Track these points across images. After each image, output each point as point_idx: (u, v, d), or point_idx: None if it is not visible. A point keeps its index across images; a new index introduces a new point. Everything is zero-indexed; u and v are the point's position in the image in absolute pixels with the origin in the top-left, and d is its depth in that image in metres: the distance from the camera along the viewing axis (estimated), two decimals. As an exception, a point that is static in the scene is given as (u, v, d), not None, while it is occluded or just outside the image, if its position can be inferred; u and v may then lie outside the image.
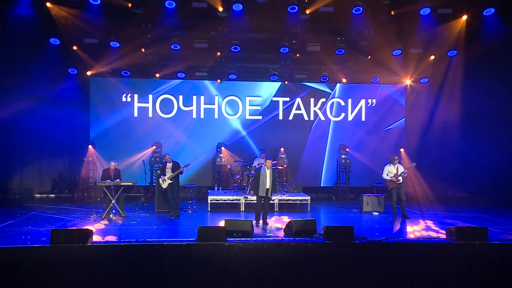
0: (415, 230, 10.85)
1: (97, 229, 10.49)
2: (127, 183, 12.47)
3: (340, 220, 12.47)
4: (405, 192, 12.87)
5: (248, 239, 9.45)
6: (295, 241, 9.39)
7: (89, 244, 8.84)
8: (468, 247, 9.02)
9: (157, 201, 13.32)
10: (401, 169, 12.38)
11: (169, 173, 12.55)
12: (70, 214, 12.66)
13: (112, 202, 12.29)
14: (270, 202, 11.74)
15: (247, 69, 16.27)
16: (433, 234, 10.25)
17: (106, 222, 11.59)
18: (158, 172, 13.35)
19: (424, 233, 10.39)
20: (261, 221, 11.33)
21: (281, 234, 10.22)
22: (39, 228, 10.51)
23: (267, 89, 16.98)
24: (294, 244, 9.31)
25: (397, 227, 11.34)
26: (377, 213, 13.27)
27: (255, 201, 13.01)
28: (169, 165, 12.66)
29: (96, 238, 9.38)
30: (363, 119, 17.27)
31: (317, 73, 16.33)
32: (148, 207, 13.66)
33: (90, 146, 15.70)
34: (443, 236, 9.85)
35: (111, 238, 9.71)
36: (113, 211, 12.60)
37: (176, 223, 11.54)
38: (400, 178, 12.38)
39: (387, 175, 12.53)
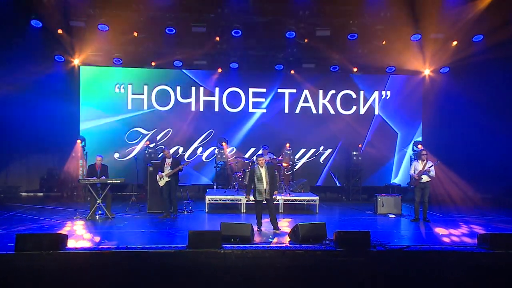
0: (440, 235, 9.47)
1: (76, 233, 9.24)
2: (115, 181, 11.20)
3: (353, 224, 11.11)
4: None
5: (247, 245, 8.14)
6: (301, 249, 8.06)
7: (61, 251, 7.57)
8: (507, 257, 7.64)
9: (149, 201, 12.05)
10: (428, 166, 10.99)
11: (167, 170, 11.27)
12: (53, 215, 11.41)
13: (98, 202, 11.02)
14: (275, 202, 10.34)
15: (250, 58, 14.93)
16: (459, 240, 8.89)
17: (89, 224, 10.32)
18: (151, 169, 12.06)
19: (450, 239, 9.02)
20: (263, 227, 9.93)
21: (286, 240, 8.89)
22: (11, 231, 9.24)
23: (272, 80, 15.66)
24: (300, 252, 7.99)
25: (418, 232, 9.94)
26: (394, 216, 11.90)
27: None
28: (168, 161, 11.38)
29: (72, 243, 8.15)
30: (376, 112, 15.88)
31: (327, 62, 14.97)
32: (140, 207, 12.38)
33: (78, 141, 14.45)
34: (472, 243, 8.49)
35: (89, 243, 8.44)
36: (100, 211, 11.35)
37: (168, 226, 10.24)
38: (424, 176, 10.98)
39: (414, 172, 11.16)
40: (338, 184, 15.80)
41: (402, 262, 7.87)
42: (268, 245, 8.17)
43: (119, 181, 11.27)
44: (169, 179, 11.23)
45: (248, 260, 7.81)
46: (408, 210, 12.53)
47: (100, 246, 7.99)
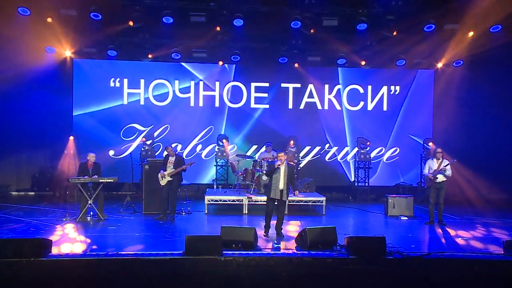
0: (460, 241, 8.71)
1: (63, 237, 8.48)
2: (107, 180, 10.42)
3: (362, 227, 10.37)
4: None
5: (250, 252, 7.41)
6: (310, 256, 7.33)
7: (44, 258, 6.82)
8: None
9: (145, 201, 11.29)
10: (443, 164, 10.21)
11: (170, 169, 10.50)
12: (41, 216, 10.65)
13: (89, 202, 10.26)
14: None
15: (252, 50, 14.15)
16: (483, 247, 8.14)
17: (79, 226, 9.56)
18: (147, 167, 11.30)
19: (471, 245, 8.26)
20: (270, 231, 9.13)
21: (292, 245, 8.13)
22: (-8, 235, 8.50)
23: (275, 74, 14.88)
24: (309, 260, 7.25)
25: (435, 236, 9.16)
26: (406, 218, 11.13)
27: (260, 202, 11.04)
28: (172, 159, 10.60)
29: (57, 249, 7.41)
30: (385, 108, 15.09)
31: (333, 55, 14.17)
32: (135, 208, 11.61)
33: (71, 138, 13.71)
34: (497, 250, 7.75)
35: (77, 249, 7.68)
36: (91, 212, 10.59)
37: (164, 229, 9.47)
38: (440, 176, 10.21)
39: (428, 171, 10.39)
40: (344, 184, 15.02)
41: (421, 271, 7.13)
42: (273, 252, 7.40)
43: (112, 180, 10.50)
44: (171, 178, 10.47)
45: (251, 268, 7.09)
46: (421, 212, 11.79)
47: (87, 253, 7.21)
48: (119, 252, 7.19)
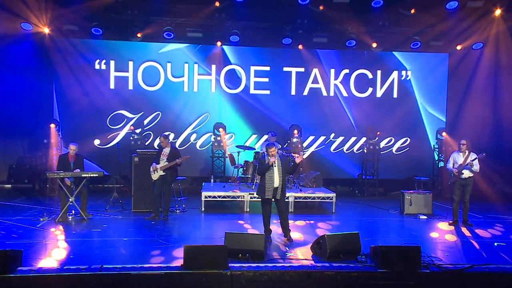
0: (497, 247, 7.64)
1: (38, 244, 7.23)
2: (92, 175, 9.16)
3: (379, 228, 9.26)
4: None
5: (261, 265, 6.26)
6: (332, 269, 6.18)
7: (11, 274, 5.58)
8: None
9: (134, 198, 10.05)
10: (471, 159, 9.10)
11: (163, 162, 9.26)
12: (15, 215, 9.39)
13: (70, 200, 8.99)
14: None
15: (253, 30, 12.83)
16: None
17: (58, 229, 8.30)
18: (136, 160, 10.04)
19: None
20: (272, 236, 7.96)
21: (307, 253, 6.98)
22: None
23: (277, 57, 13.62)
24: (331, 274, 6.11)
25: (466, 241, 8.06)
26: (425, 217, 10.05)
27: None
28: (166, 151, 9.36)
29: (29, 261, 6.16)
30: (395, 95, 13.93)
31: (342, 36, 12.90)
32: (123, 205, 10.37)
33: (52, 126, 12.35)
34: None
35: (53, 261, 6.44)
36: (73, 211, 9.33)
37: (158, 232, 8.26)
38: (466, 171, 9.11)
39: (453, 165, 9.28)
40: (349, 177, 13.91)
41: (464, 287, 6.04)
42: (288, 265, 6.23)
43: (96, 175, 9.24)
44: (164, 173, 9.24)
45: (263, 284, 5.96)
46: (439, 209, 10.73)
47: (65, 267, 5.97)
48: (104, 266, 5.97)
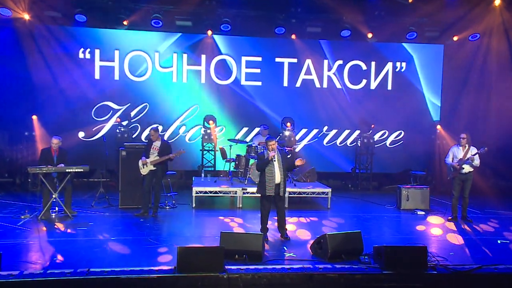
0: (503, 245, 7.39)
1: (18, 245, 6.75)
2: (76, 170, 8.65)
3: (377, 224, 8.94)
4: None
5: (260, 267, 5.88)
6: (335, 271, 5.83)
7: (-12, 280, 5.13)
8: None
9: (122, 194, 9.59)
10: (472, 153, 8.83)
11: (153, 157, 8.80)
12: (-7, 212, 8.86)
13: (54, 196, 8.50)
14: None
15: (245, 18, 12.33)
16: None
17: (41, 228, 7.81)
18: (123, 153, 9.57)
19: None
20: (269, 235, 7.58)
21: (307, 253, 6.64)
22: None
23: (269, 47, 13.18)
24: (333, 276, 5.77)
25: (470, 238, 7.77)
26: (423, 213, 9.79)
27: (257, 195, 9.48)
28: (156, 144, 8.90)
29: (9, 264, 5.68)
30: (389, 87, 13.62)
31: (337, 26, 12.49)
32: (110, 200, 9.90)
33: (34, 117, 11.78)
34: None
35: (35, 263, 5.98)
36: (56, 208, 8.85)
37: (147, 230, 7.84)
38: (466, 166, 8.85)
39: (453, 160, 9.01)
40: (341, 170, 13.60)
41: (474, 290, 5.77)
42: (288, 267, 5.85)
43: (81, 170, 8.73)
44: (154, 168, 8.80)
45: (262, 288, 5.58)
46: (435, 204, 10.48)
47: (49, 271, 5.51)
48: (91, 269, 5.53)
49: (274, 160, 7.29)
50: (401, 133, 13.60)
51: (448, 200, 10.72)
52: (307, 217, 9.13)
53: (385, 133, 13.57)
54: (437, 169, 12.72)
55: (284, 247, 6.93)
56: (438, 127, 13.18)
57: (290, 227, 8.00)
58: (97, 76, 12.67)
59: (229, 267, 5.69)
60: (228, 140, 11.38)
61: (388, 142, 13.62)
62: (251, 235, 6.44)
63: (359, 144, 13.24)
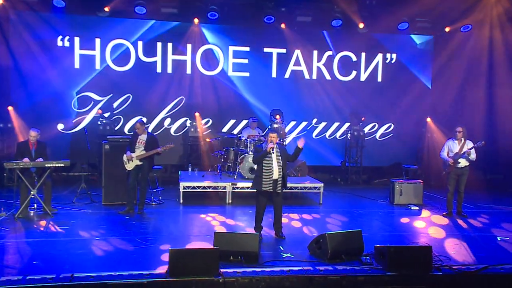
0: (501, 242, 7.20)
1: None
2: (56, 164, 8.14)
3: (372, 221, 8.70)
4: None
5: (258, 269, 5.55)
6: (336, 273, 5.54)
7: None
8: None
9: (105, 189, 9.09)
10: (468, 147, 8.62)
11: (139, 151, 8.33)
12: (-33, 211, 8.27)
13: (32, 193, 7.98)
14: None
15: (233, 6, 11.86)
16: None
17: (18, 227, 7.30)
18: (106, 147, 9.07)
19: None
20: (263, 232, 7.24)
21: (304, 254, 6.31)
22: None
23: (257, 37, 12.74)
24: (335, 279, 5.49)
25: (470, 235, 7.54)
26: (417, 208, 9.57)
27: (247, 190, 9.19)
28: (142, 138, 8.42)
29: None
30: (379, 79, 13.36)
31: (328, 15, 12.12)
32: (92, 196, 9.40)
33: (10, 108, 11.15)
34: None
35: (12, 267, 5.51)
36: (35, 205, 8.32)
37: (133, 229, 7.41)
38: (462, 160, 8.64)
39: (448, 154, 8.78)
40: (329, 164, 13.33)
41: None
42: (288, 269, 5.52)
43: (62, 165, 8.23)
44: (140, 162, 8.34)
45: (261, 292, 5.24)
46: (428, 199, 10.28)
47: (28, 277, 5.06)
48: (76, 274, 5.12)
49: (273, 152, 6.94)
50: (391, 125, 13.38)
51: (439, 194, 10.64)
52: (299, 213, 8.80)
53: (375, 125, 13.34)
54: (427, 162, 12.52)
55: (280, 247, 6.59)
56: (428, 120, 12.99)
57: (283, 224, 7.64)
58: (77, 65, 12.06)
59: (224, 270, 5.36)
60: (217, 133, 10.95)
61: (378, 135, 13.39)
62: (247, 235, 6.09)
63: (348, 137, 12.98)
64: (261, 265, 5.71)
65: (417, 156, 13.15)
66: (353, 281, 5.47)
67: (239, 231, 7.05)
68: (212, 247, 5.69)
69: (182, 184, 9.46)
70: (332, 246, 5.94)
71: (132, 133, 8.70)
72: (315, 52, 12.99)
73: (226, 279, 5.24)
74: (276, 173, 6.95)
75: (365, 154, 12.97)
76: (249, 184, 9.27)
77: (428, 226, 8.18)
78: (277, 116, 11.91)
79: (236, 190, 9.61)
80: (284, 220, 7.54)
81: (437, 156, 12.04)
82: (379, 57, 13.23)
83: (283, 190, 7.14)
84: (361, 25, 12.19)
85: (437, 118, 12.98)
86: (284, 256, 6.19)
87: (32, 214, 8.15)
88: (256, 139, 10.25)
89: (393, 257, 5.56)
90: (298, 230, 7.67)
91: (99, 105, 12.12)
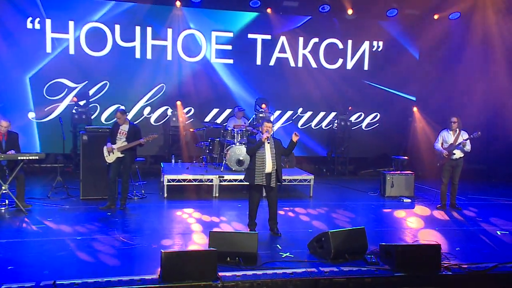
0: (501, 235, 7.01)
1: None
2: (30, 157, 7.49)
3: (366, 215, 8.39)
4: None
5: (259, 272, 5.13)
6: (342, 275, 5.16)
7: None
8: None
9: (83, 183, 8.48)
10: (463, 138, 8.38)
11: (121, 142, 7.74)
12: None
13: (3, 188, 7.33)
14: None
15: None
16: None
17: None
18: (85, 138, 8.44)
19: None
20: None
21: (304, 253, 5.93)
22: None
23: (242, 22, 12.21)
24: (341, 280, 5.12)
25: (469, 230, 7.32)
26: (409, 200, 9.35)
27: (235, 183, 8.78)
28: (123, 128, 7.82)
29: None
30: (366, 68, 13.04)
31: (315, 0, 11.69)
32: (69, 190, 8.78)
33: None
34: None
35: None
36: (7, 201, 7.67)
37: (116, 226, 6.89)
38: (457, 152, 8.42)
39: (442, 145, 8.54)
40: (315, 154, 13.00)
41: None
42: (290, 271, 5.12)
43: (37, 157, 7.58)
44: (122, 155, 7.76)
45: (262, 297, 4.84)
46: (418, 190, 10.06)
47: (3, 287, 4.50)
48: (58, 282, 4.57)
49: (269, 142, 6.53)
50: (377, 115, 13.13)
51: (428, 185, 10.48)
52: (290, 207, 8.43)
53: (361, 115, 13.06)
54: (413, 153, 12.30)
55: (278, 245, 6.19)
56: (415, 109, 12.79)
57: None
58: (48, 49, 11.26)
59: (223, 273, 4.91)
60: (202, 123, 10.44)
61: (364, 124, 13.13)
62: (245, 235, 5.67)
63: (335, 127, 12.65)
64: (260, 267, 5.30)
65: (403, 146, 12.90)
66: (360, 282, 5.11)
67: (235, 230, 6.60)
68: (207, 248, 5.24)
69: (167, 177, 8.93)
70: (335, 245, 5.57)
71: (114, 122, 8.06)
72: (301, 39, 12.54)
73: (225, 283, 4.80)
74: (269, 167, 6.55)
75: (351, 144, 12.67)
76: (237, 177, 8.99)
77: (425, 221, 7.91)
78: (263, 105, 11.57)
79: (224, 183, 9.15)
80: (279, 213, 7.14)
81: (423, 146, 12.03)
82: (366, 44, 12.89)
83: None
84: (349, 11, 11.81)
85: (423, 107, 12.80)
86: (283, 256, 5.79)
87: (3, 211, 7.51)
88: (243, 129, 9.79)
89: (400, 256, 5.24)
90: (293, 226, 7.28)
91: (74, 93, 11.39)
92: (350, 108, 12.44)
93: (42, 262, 5.26)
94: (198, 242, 6.25)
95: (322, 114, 12.88)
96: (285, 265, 5.42)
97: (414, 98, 13.23)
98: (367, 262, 5.53)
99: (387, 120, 13.08)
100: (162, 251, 4.78)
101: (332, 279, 5.10)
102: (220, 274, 4.89)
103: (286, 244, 6.23)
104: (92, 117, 11.43)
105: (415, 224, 7.65)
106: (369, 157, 13.07)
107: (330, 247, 5.57)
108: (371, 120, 13.14)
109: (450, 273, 5.29)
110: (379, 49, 12.98)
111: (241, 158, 9.40)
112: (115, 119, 8.03)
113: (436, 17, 12.19)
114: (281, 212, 7.91)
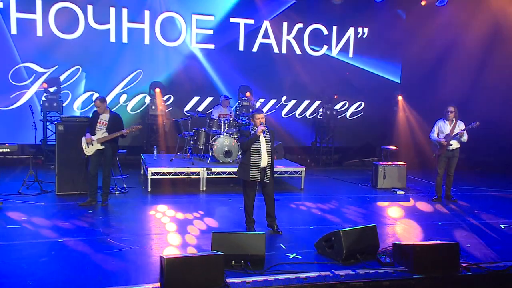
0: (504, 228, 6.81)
1: None
2: (1, 149, 6.72)
3: (364, 207, 8.02)
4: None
5: (270, 278, 4.65)
6: (359, 278, 4.78)
7: None
8: None
9: (59, 178, 7.76)
10: (460, 128, 8.14)
11: (101, 133, 7.05)
12: None
13: (-30, 185, 6.57)
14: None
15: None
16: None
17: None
18: (60, 128, 7.70)
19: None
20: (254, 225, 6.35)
21: (311, 253, 5.51)
22: None
23: (224, 4, 11.60)
24: (358, 284, 4.76)
25: (470, 223, 7.08)
26: (402, 192, 9.09)
27: (222, 176, 8.28)
28: (103, 118, 7.13)
29: None
30: (351, 55, 12.69)
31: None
32: (42, 185, 8.05)
33: None
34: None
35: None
36: (-25, 199, 6.92)
37: (102, 225, 6.28)
38: (454, 142, 8.18)
39: (438, 135, 8.28)
40: (299, 144, 12.61)
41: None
42: (304, 276, 4.69)
43: (7, 150, 6.84)
44: (102, 146, 7.09)
45: (275, 304, 4.41)
46: (409, 182, 9.83)
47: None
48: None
49: (264, 135, 6.04)
50: (361, 104, 12.84)
51: (417, 177, 10.29)
52: (283, 201, 7.97)
53: (345, 104, 12.74)
54: (400, 142, 12.08)
55: (282, 245, 5.73)
56: (399, 98, 12.58)
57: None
58: (13, 31, 10.37)
59: (231, 280, 4.44)
60: (186, 112, 9.85)
61: (348, 113, 12.83)
62: (251, 235, 5.18)
63: (319, 116, 12.27)
64: (269, 271, 4.84)
65: (388, 136, 12.65)
66: (377, 286, 4.75)
67: (240, 231, 6.02)
68: (213, 252, 4.72)
69: (150, 170, 8.31)
70: (347, 245, 5.17)
71: (93, 112, 7.35)
72: (285, 24, 12.07)
73: (234, 291, 4.34)
74: (264, 161, 6.07)
75: (336, 134, 12.35)
76: (225, 169, 8.48)
77: (425, 215, 7.63)
78: (248, 94, 11.07)
79: (211, 176, 8.61)
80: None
81: (410, 136, 11.85)
82: (351, 31, 12.54)
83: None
84: (337, -5, 11.39)
85: (408, 95, 12.61)
86: (290, 257, 5.34)
87: (-30, 210, 6.74)
88: (230, 118, 9.26)
89: (418, 257, 4.90)
90: (291, 222, 6.83)
91: (43, 78, 10.53)
92: (336, 96, 12.08)
93: (24, 270, 4.62)
94: (192, 243, 5.73)
95: (306, 102, 12.48)
96: (294, 268, 4.99)
97: (398, 81, 12.99)
98: (381, 263, 5.16)
99: (372, 109, 12.83)
100: (164, 256, 4.26)
101: (348, 283, 4.72)
102: (228, 280, 4.42)
103: (289, 243, 5.79)
104: (64, 104, 10.61)
105: (416, 219, 7.35)
106: (353, 146, 12.80)
107: (341, 248, 5.16)
108: (355, 109, 12.84)
109: (470, 273, 5.00)
110: (364, 36, 12.64)
111: (228, 150, 8.89)
112: (95, 108, 7.32)
113: (423, 3, 11.94)
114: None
